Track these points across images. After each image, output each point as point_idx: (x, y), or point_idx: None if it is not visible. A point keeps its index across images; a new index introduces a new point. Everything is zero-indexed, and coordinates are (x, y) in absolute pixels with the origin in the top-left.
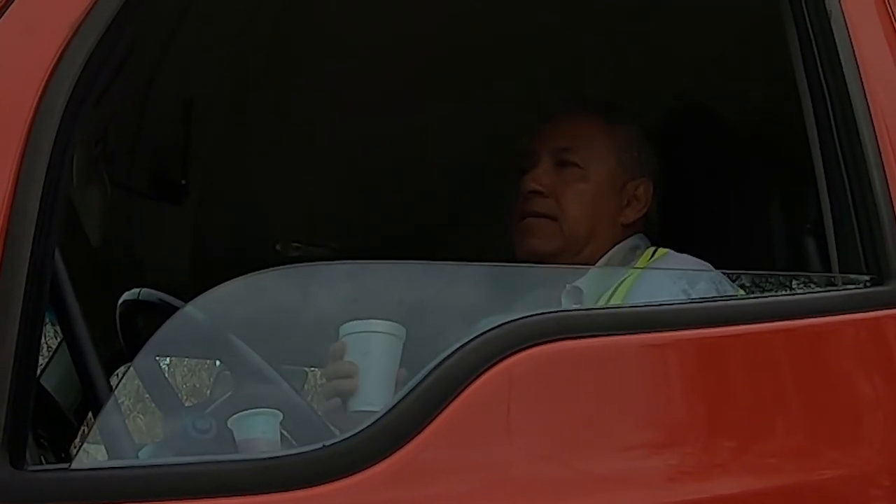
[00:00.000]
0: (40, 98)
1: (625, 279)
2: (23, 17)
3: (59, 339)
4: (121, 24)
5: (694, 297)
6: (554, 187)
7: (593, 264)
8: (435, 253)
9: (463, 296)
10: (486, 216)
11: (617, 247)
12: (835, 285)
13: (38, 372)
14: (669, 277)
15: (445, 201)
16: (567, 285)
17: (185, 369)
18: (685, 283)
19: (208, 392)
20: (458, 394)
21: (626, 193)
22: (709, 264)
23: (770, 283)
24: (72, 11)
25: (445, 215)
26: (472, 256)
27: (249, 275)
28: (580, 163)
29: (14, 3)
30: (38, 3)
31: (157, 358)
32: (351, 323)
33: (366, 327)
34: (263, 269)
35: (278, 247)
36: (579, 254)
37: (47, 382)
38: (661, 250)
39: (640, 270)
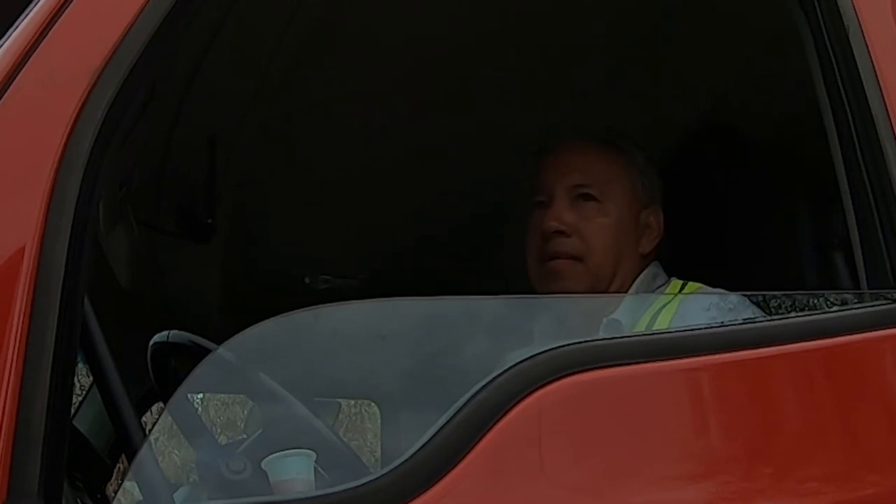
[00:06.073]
0: (65, 146)
1: (663, 307)
2: (45, 67)
3: (91, 379)
4: (141, 70)
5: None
6: (576, 225)
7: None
8: (464, 283)
9: (498, 329)
10: (514, 246)
11: (640, 278)
12: (864, 301)
13: (72, 413)
14: (702, 308)
15: (472, 231)
16: (605, 318)
17: (219, 403)
18: (715, 311)
19: (242, 425)
20: (491, 428)
21: (640, 223)
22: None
23: (800, 301)
24: (92, 59)
25: (472, 245)
26: (501, 284)
27: (277, 317)
28: (599, 196)
29: (35, 52)
30: (58, 52)
31: (190, 396)
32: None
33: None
34: (292, 302)
35: (307, 279)
36: (606, 290)
37: (81, 422)
38: (693, 284)
39: (676, 300)
